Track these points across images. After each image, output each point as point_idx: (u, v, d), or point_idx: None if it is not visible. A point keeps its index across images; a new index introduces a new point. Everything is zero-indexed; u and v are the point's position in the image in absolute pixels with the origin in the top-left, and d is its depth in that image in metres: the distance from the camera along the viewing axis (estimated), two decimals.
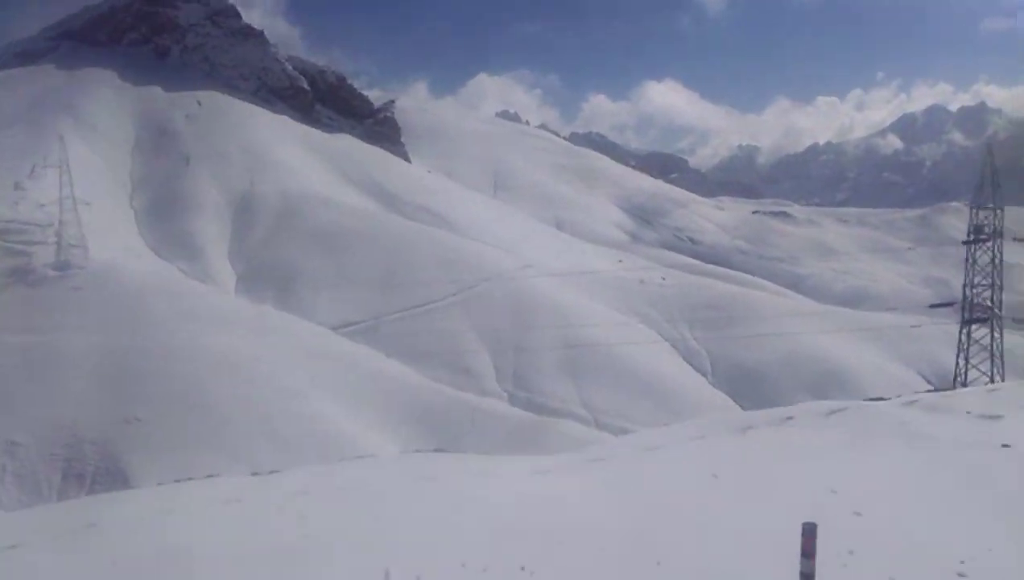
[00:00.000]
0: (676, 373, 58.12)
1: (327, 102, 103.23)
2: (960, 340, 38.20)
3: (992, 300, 37.74)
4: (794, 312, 71.63)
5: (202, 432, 35.16)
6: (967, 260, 37.75)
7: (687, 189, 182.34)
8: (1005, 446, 9.95)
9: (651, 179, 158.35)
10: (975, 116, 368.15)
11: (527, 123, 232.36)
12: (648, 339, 62.14)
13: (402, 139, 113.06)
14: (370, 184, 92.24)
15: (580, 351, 55.22)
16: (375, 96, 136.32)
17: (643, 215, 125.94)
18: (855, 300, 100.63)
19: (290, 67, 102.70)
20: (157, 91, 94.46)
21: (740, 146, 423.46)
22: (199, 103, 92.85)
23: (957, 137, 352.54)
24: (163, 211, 74.73)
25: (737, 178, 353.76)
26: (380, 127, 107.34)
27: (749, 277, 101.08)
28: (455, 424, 42.11)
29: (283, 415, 37.58)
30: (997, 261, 37.22)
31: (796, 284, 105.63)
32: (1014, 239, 39.25)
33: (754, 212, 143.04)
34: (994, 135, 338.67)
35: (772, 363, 57.86)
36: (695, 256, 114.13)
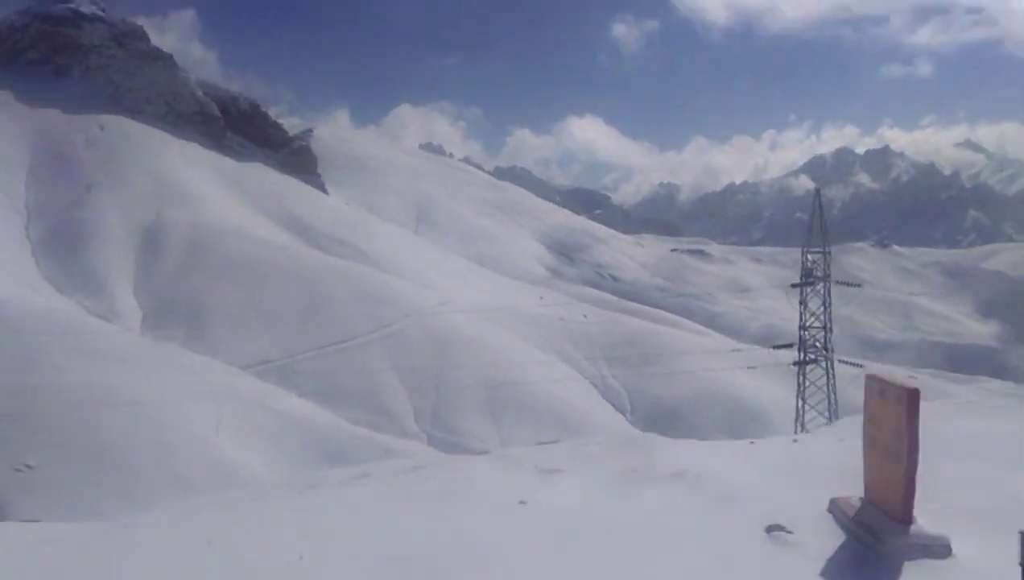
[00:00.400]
0: (596, 411, 57.56)
1: (239, 129, 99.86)
2: (798, 382, 39.11)
3: (825, 341, 38.73)
4: (709, 349, 72.29)
5: (100, 478, 32.45)
6: (800, 302, 38.72)
7: (610, 225, 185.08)
8: (522, 503, 9.56)
9: (573, 215, 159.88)
10: (880, 159, 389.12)
11: (451, 156, 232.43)
12: (568, 377, 61.48)
13: (319, 170, 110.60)
14: (285, 216, 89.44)
15: (500, 389, 54.11)
16: (294, 124, 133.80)
17: (565, 251, 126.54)
18: (769, 337, 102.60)
19: (200, 92, 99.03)
20: (56, 114, 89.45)
21: (661, 184, 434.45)
22: (101, 127, 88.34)
23: (864, 179, 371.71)
24: (62, 242, 70.47)
25: (659, 215, 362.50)
26: (295, 157, 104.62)
27: (667, 314, 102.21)
28: (368, 467, 40.05)
29: (187, 458, 35.10)
30: (828, 303, 38.35)
31: (712, 321, 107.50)
32: (837, 282, 40.76)
33: (673, 250, 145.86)
34: (897, 177, 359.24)
35: (688, 400, 58.02)
36: (615, 293, 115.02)
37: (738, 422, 54.08)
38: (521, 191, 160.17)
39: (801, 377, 40.01)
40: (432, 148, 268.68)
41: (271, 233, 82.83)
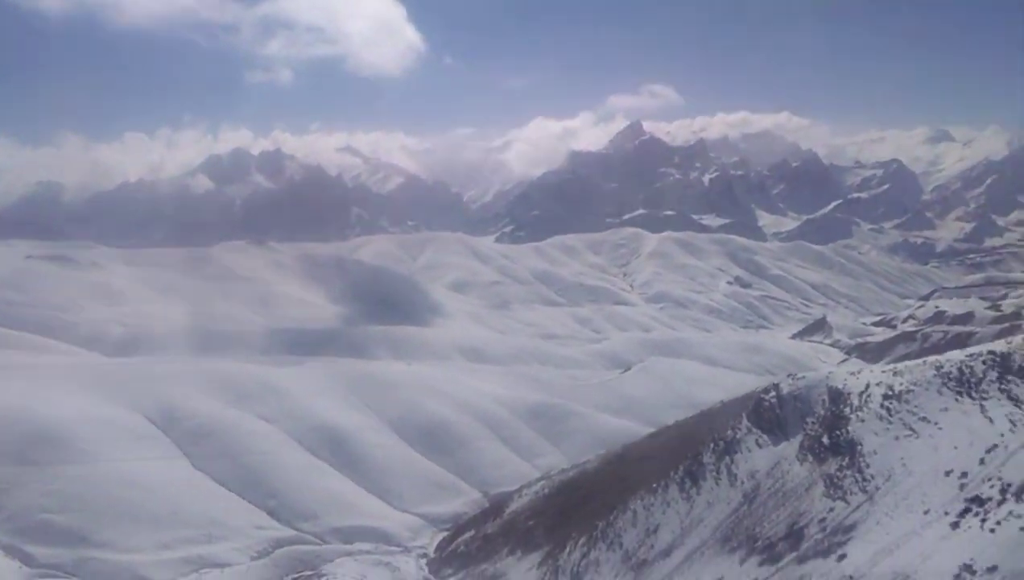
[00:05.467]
0: None
1: None
2: None
3: None
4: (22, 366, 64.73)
5: None
6: None
7: None
8: None
9: None
10: (274, 160, 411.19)
11: None
12: None
13: None
14: None
15: None
16: None
17: None
18: (134, 344, 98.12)
19: None
20: None
21: (40, 182, 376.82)
22: None
23: (260, 179, 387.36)
24: None
25: (41, 218, 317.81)
26: None
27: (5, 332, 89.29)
28: None
29: None
30: None
31: (68, 333, 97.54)
32: None
33: (28, 257, 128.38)
34: (290, 178, 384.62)
35: None
36: None
37: (35, 448, 49.06)
38: None
39: None
40: None
41: None
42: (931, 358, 28.85)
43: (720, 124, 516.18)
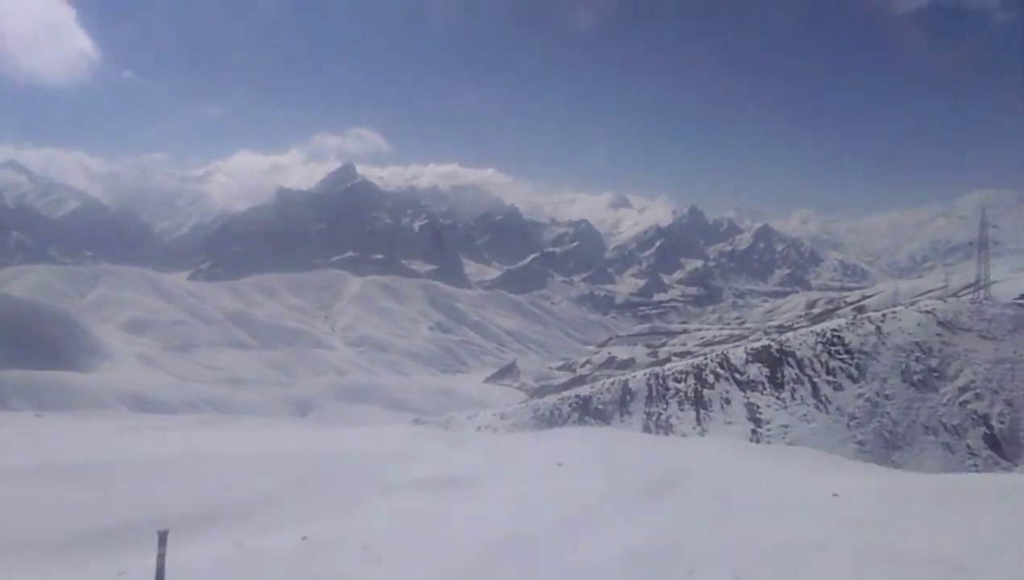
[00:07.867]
0: None
1: None
2: None
3: None
4: None
5: None
6: None
7: None
8: None
9: None
10: None
11: None
12: None
13: None
14: None
15: None
16: None
17: None
18: None
19: None
20: None
21: None
22: None
23: None
24: None
25: None
26: None
27: None
28: None
29: None
30: None
31: None
32: None
33: None
34: None
35: None
36: None
37: None
38: None
39: None
40: None
41: None
42: (533, 401, 30.29)
43: (431, 174, 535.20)
